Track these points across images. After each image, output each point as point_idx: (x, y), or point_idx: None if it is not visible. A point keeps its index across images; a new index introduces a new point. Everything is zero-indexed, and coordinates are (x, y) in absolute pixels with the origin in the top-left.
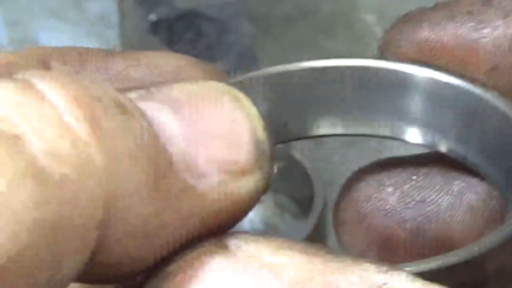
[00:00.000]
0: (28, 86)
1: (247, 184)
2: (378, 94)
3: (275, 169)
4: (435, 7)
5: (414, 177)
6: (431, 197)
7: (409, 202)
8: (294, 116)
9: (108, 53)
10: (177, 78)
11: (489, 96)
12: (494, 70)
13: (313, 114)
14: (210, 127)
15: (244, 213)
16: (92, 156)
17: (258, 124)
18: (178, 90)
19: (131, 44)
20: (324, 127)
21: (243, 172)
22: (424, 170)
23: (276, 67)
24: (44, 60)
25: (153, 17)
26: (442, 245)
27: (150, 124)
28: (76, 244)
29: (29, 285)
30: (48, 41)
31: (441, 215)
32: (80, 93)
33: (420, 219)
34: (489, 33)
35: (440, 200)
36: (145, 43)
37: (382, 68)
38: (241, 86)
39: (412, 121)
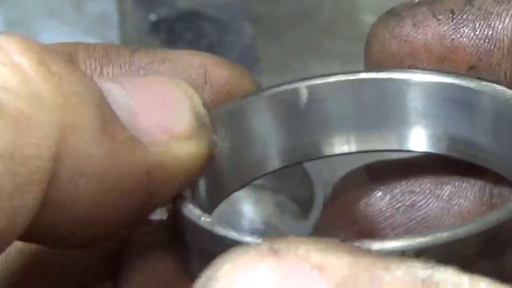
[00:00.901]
0: None
1: (189, 147)
2: (378, 105)
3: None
4: (419, 3)
5: (404, 181)
6: (421, 202)
7: (399, 207)
8: (306, 137)
9: (135, 49)
10: (201, 76)
11: (487, 89)
12: (471, 70)
13: (325, 133)
14: (153, 100)
15: (188, 174)
16: (42, 92)
17: (197, 102)
18: (132, 78)
19: (131, 44)
20: (337, 146)
21: (185, 138)
22: (414, 175)
23: (282, 86)
24: (70, 54)
25: (153, 17)
26: None
27: (96, 83)
28: (33, 175)
29: None
30: (48, 41)
31: (431, 220)
32: (33, 44)
33: (410, 224)
34: (469, 33)
35: (430, 204)
36: (145, 43)
37: (379, 79)
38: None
39: (417, 129)
